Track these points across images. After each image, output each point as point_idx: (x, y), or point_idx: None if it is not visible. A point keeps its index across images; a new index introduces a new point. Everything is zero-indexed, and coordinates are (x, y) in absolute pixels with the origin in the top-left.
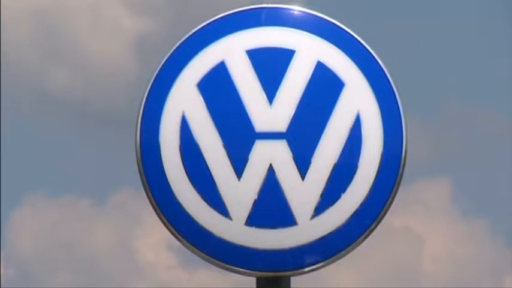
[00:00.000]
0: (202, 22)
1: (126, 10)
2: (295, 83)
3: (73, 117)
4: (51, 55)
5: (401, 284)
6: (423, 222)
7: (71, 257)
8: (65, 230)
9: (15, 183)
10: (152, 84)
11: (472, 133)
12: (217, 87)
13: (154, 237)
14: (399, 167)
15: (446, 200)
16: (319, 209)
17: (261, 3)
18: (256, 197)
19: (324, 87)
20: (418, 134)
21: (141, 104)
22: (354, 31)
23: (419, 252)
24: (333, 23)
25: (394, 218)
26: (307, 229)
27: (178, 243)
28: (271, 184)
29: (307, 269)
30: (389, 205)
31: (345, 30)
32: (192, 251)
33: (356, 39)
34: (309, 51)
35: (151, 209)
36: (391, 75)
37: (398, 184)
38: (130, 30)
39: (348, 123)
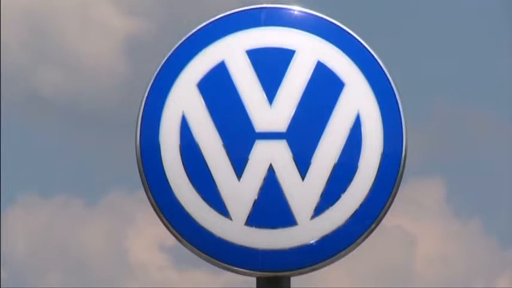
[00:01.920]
0: (194, 22)
1: (116, 10)
2: (295, 83)
3: (64, 118)
4: (41, 56)
5: (393, 283)
6: (416, 221)
7: (62, 257)
8: (56, 230)
9: (7, 184)
10: (152, 84)
11: (465, 133)
12: (217, 87)
13: (146, 237)
14: (399, 167)
15: (438, 199)
16: (319, 209)
17: (261, 3)
18: (256, 197)
19: (324, 87)
20: (411, 133)
21: (141, 104)
22: (353, 31)
23: (412, 252)
24: (333, 23)
25: (386, 218)
26: (307, 229)
27: (170, 243)
28: (271, 184)
29: (307, 269)
30: (390, 205)
31: (345, 30)
32: (192, 251)
33: (356, 39)
34: (309, 51)
35: (143, 209)
36: (391, 75)
37: (398, 184)
38: (121, 30)
39: (348, 123)
